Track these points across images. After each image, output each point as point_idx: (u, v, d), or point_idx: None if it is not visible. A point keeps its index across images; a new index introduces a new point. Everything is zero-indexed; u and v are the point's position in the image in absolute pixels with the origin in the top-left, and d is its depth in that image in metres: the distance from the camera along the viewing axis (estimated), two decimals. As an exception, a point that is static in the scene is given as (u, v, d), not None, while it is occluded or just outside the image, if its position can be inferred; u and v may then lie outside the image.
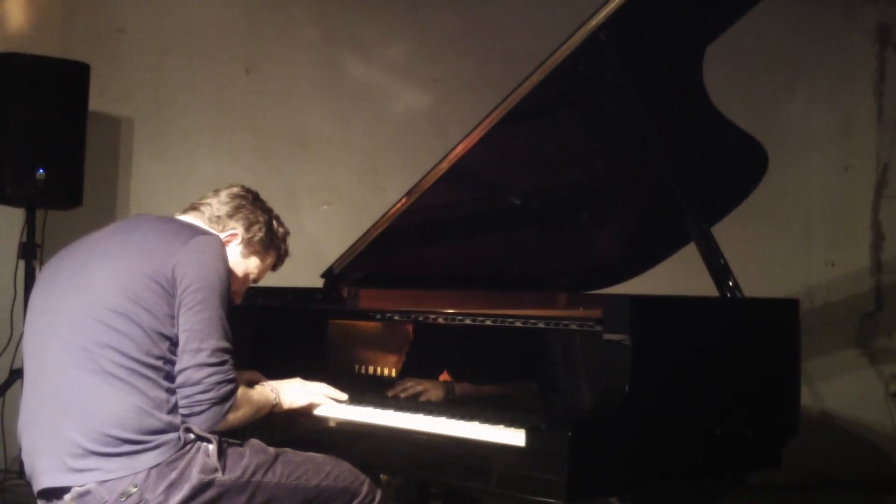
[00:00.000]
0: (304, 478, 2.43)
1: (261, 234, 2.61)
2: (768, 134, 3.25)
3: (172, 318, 2.29)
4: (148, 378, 2.26)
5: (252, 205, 2.62)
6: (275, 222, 2.67)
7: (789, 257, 5.44)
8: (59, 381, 2.28)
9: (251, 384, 2.53)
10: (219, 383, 2.28)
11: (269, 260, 2.68)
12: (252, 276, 2.66)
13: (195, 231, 2.43)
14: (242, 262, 2.61)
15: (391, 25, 5.38)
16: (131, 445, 2.22)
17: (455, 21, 5.42)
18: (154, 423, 2.25)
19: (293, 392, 2.60)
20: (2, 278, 4.56)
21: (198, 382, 2.26)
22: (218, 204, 2.59)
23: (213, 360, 2.28)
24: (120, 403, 2.23)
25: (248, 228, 2.59)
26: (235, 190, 2.65)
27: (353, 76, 5.35)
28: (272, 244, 2.65)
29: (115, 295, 2.27)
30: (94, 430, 2.22)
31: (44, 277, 2.46)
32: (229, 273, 2.40)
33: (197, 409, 2.27)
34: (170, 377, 2.28)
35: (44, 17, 4.92)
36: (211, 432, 2.30)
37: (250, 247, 2.61)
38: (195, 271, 2.30)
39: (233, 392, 2.32)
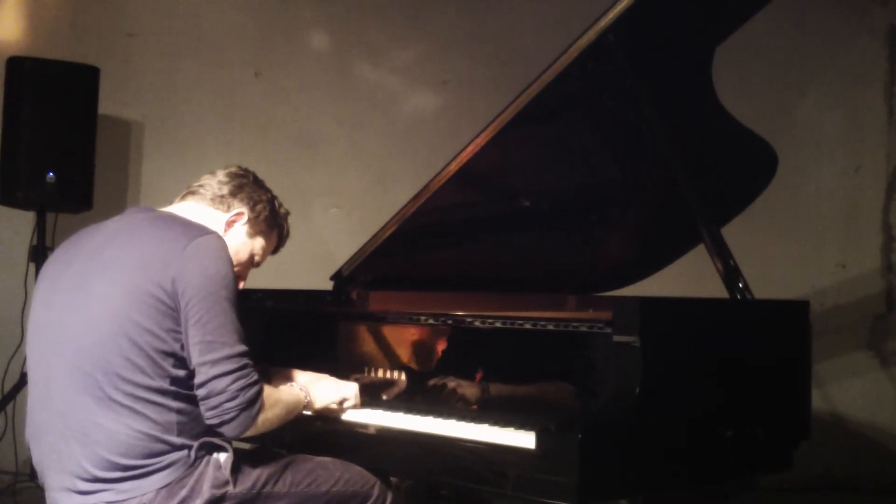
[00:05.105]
0: (315, 485, 2.40)
1: (265, 213, 2.56)
2: (779, 136, 3.24)
3: (177, 332, 2.21)
4: (155, 403, 2.20)
5: (253, 184, 2.58)
6: (276, 201, 2.63)
7: (799, 259, 5.42)
8: (64, 404, 2.23)
9: (279, 384, 2.50)
10: (243, 388, 2.21)
11: (273, 240, 2.63)
12: (257, 258, 2.59)
13: (193, 234, 2.29)
14: (248, 243, 2.55)
15: (400, 28, 5.39)
16: (139, 469, 2.19)
17: (464, 23, 5.43)
18: (162, 448, 2.21)
19: (325, 390, 2.56)
20: (13, 281, 4.58)
21: (222, 391, 2.19)
22: (218, 184, 2.54)
23: (233, 366, 2.20)
24: (126, 430, 2.18)
25: (252, 207, 2.54)
26: (234, 169, 2.60)
27: (362, 79, 5.36)
28: (276, 223, 2.61)
29: (116, 319, 2.19)
30: (100, 458, 2.18)
31: (43, 285, 2.38)
32: (233, 270, 2.29)
33: (227, 416, 2.20)
34: (178, 397, 2.22)
35: (54, 21, 4.94)
36: (240, 439, 2.27)
37: (256, 226, 2.55)
38: (196, 280, 2.20)
39: (259, 394, 2.25)
